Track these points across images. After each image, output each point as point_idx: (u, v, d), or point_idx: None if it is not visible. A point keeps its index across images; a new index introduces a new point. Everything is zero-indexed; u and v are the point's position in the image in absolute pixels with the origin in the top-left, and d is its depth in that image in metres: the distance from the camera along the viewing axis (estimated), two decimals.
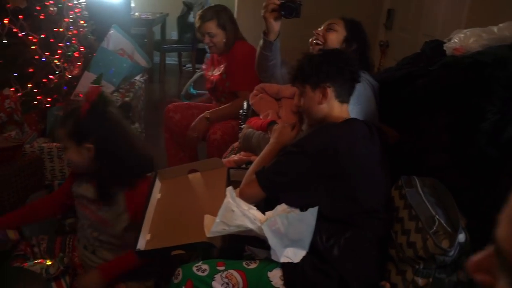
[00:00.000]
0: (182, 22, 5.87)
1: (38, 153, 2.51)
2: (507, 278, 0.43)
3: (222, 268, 1.47)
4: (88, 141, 1.57)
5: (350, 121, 1.59)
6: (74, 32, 3.01)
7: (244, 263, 1.50)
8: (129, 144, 1.65)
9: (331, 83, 1.60)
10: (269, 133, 1.96)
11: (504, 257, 0.43)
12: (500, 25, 1.82)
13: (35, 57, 2.63)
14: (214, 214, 1.42)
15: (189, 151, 2.92)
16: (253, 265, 1.49)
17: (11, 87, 2.52)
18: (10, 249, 1.79)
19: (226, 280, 1.44)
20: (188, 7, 5.80)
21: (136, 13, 5.63)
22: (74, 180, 1.75)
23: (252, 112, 2.36)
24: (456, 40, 1.86)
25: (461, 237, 1.34)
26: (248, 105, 2.42)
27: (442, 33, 2.57)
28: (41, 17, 2.67)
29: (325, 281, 1.43)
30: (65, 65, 2.87)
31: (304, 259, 1.45)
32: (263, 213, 1.47)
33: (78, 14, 3.15)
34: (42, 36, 2.65)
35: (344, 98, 1.63)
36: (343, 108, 1.64)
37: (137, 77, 3.41)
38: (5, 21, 2.48)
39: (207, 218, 1.49)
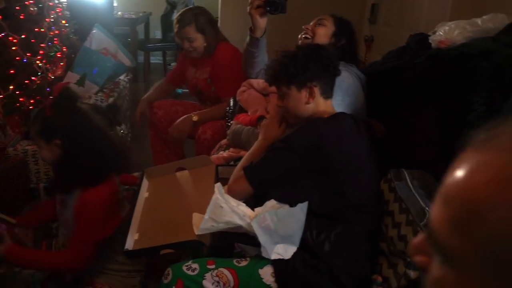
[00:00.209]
0: (166, 21, 5.82)
1: (22, 156, 2.47)
2: (438, 256, 0.46)
3: (213, 266, 1.45)
4: (57, 138, 1.55)
5: (337, 116, 1.59)
6: (56, 32, 2.95)
7: (234, 261, 1.49)
8: (98, 141, 1.60)
9: (317, 81, 1.58)
10: (259, 128, 1.95)
11: (435, 237, 0.46)
12: (484, 17, 1.83)
13: (16, 58, 2.57)
14: (203, 212, 1.41)
15: (175, 149, 2.89)
16: (243, 263, 1.48)
17: None
18: None
19: (216, 278, 1.42)
20: (172, 6, 5.76)
21: (119, 13, 5.58)
22: None
23: (239, 109, 2.35)
24: (441, 33, 1.86)
25: None
26: (235, 102, 2.41)
27: (426, 27, 2.57)
28: (21, 17, 2.62)
29: (317, 276, 1.42)
30: (48, 66, 2.82)
31: (295, 255, 1.44)
32: (252, 209, 1.46)
33: (59, 14, 3.10)
34: (23, 36, 2.59)
35: (328, 93, 1.63)
36: (328, 103, 1.63)
37: (122, 77, 3.37)
38: None
39: (196, 216, 1.48)
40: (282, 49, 1.65)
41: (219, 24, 4.25)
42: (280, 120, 1.78)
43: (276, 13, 2.08)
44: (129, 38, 5.37)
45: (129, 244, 1.50)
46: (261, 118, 2.04)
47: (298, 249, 1.46)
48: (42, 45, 2.78)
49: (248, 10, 2.13)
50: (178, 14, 2.71)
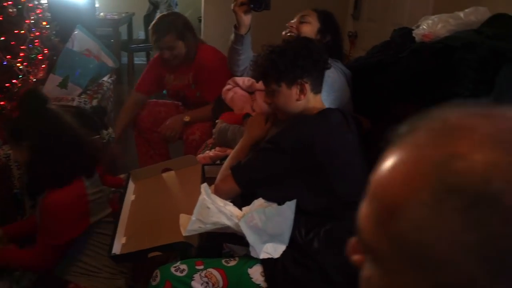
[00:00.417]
0: (149, 21, 5.72)
1: (5, 161, 2.41)
2: (367, 255, 0.46)
3: (201, 267, 1.44)
4: (25, 139, 1.55)
5: (325, 112, 1.57)
6: (37, 33, 2.90)
7: (223, 261, 1.47)
8: (65, 143, 1.58)
9: (308, 77, 1.54)
10: (245, 126, 1.94)
11: (361, 235, 0.46)
12: (466, 10, 1.84)
13: None
14: (190, 213, 1.39)
15: (159, 149, 2.85)
16: (232, 263, 1.47)
17: None
18: None
19: (205, 279, 1.41)
20: (155, 6, 5.72)
21: (101, 13, 5.51)
22: None
23: (225, 107, 2.33)
24: (424, 27, 1.86)
25: None
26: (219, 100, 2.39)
27: (409, 21, 2.57)
28: None
29: (307, 274, 1.41)
30: (29, 68, 2.77)
31: (284, 253, 1.43)
32: (240, 208, 1.44)
33: (40, 15, 3.04)
34: (2, 38, 2.55)
35: (318, 88, 1.60)
36: (317, 98, 1.61)
37: (105, 78, 3.33)
38: None
39: (183, 217, 1.46)
40: (267, 43, 1.60)
41: (202, 23, 4.25)
42: (266, 117, 1.77)
43: (260, 10, 2.07)
44: (112, 39, 5.31)
45: (116, 249, 1.48)
46: (247, 116, 2.02)
47: (287, 247, 1.45)
48: (22, 47, 2.73)
49: (232, 7, 2.11)
50: (153, 23, 2.64)
